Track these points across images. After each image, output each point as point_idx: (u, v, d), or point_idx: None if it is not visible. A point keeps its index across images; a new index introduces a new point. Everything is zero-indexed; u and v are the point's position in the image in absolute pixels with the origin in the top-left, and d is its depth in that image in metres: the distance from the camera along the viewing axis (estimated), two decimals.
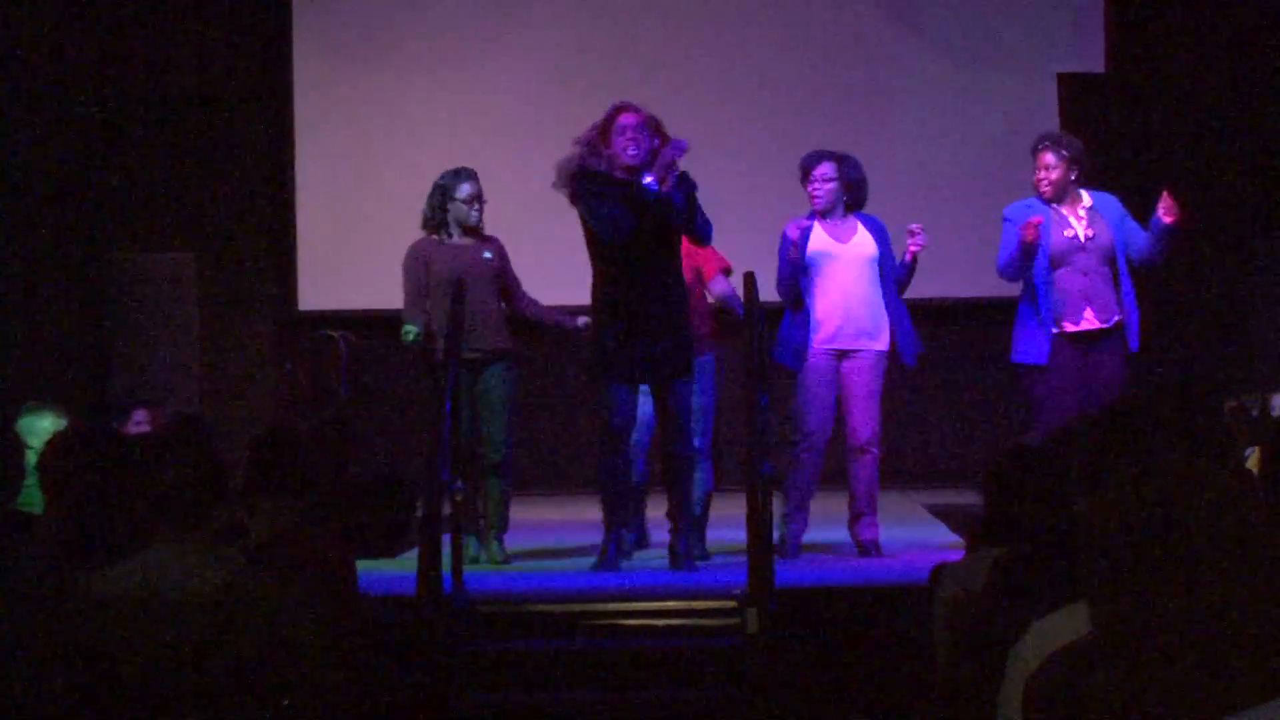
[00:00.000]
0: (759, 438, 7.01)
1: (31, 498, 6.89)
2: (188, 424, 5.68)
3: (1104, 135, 11.45)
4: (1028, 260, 7.91)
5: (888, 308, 8.23)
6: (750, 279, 7.70)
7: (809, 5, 11.63)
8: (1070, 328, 7.93)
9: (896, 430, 11.66)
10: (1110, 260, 7.99)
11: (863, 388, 8.21)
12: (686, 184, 7.68)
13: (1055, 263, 7.95)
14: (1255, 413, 8.31)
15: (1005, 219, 8.12)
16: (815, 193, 8.26)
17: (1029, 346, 8.00)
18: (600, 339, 7.77)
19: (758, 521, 6.74)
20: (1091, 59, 11.44)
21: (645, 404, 8.03)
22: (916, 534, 8.88)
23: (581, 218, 7.74)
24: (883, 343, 8.23)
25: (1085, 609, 2.27)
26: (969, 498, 8.77)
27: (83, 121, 11.40)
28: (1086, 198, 8.07)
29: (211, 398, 11.12)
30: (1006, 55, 11.50)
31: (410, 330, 8.20)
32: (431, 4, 11.72)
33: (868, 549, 8.19)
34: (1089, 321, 7.95)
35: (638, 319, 7.63)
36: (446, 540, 6.96)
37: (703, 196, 7.80)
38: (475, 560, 8.02)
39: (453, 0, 11.74)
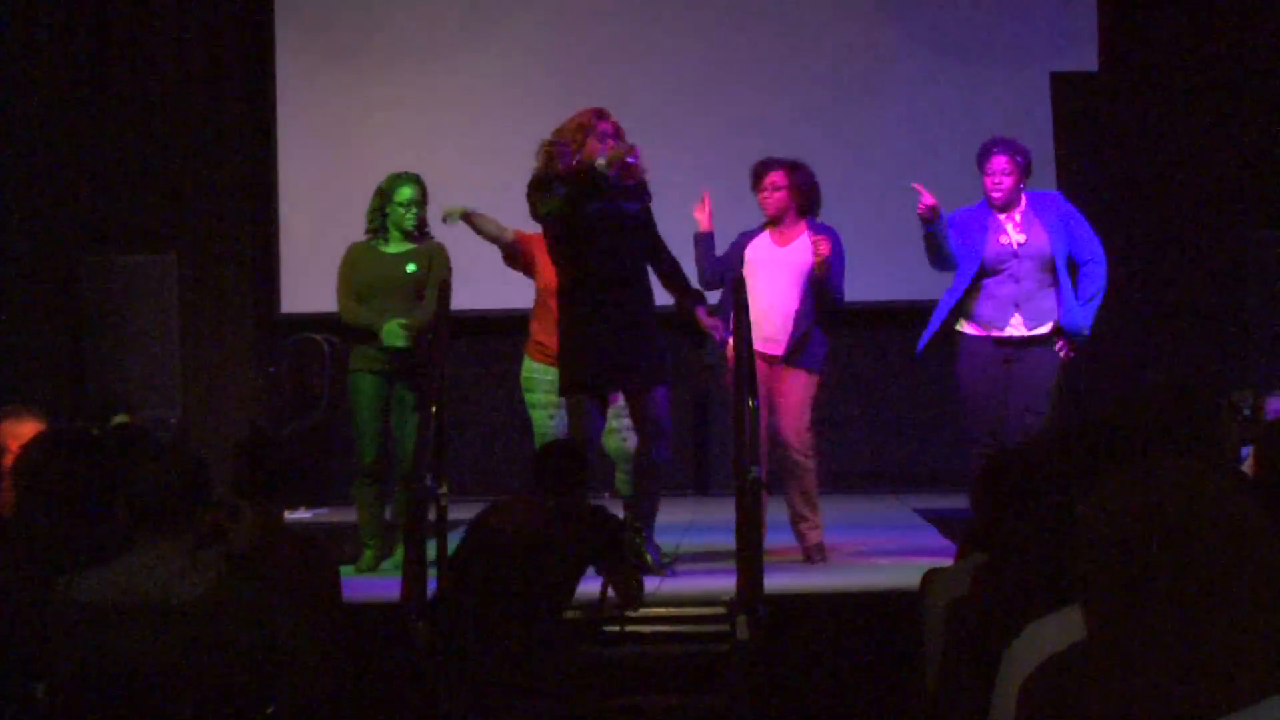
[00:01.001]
0: (748, 441, 6.96)
1: None
2: (167, 430, 5.66)
3: (1098, 134, 11.46)
4: (935, 240, 7.82)
5: (801, 316, 8.15)
6: (739, 283, 7.66)
7: (798, 3, 11.60)
8: (996, 334, 7.86)
9: (888, 435, 11.66)
10: (1047, 266, 7.87)
11: (788, 396, 8.16)
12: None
13: (989, 270, 7.88)
14: (1247, 410, 8.30)
15: (950, 224, 8.01)
16: (764, 201, 8.21)
17: (932, 328, 7.95)
18: (569, 352, 7.66)
19: (747, 526, 6.70)
20: (1085, 57, 11.43)
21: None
22: (907, 539, 8.84)
23: (550, 236, 7.71)
24: (812, 362, 8.21)
25: (1079, 613, 2.25)
26: (960, 502, 8.75)
27: (62, 121, 11.34)
28: (1023, 200, 7.94)
29: (192, 401, 11.06)
30: (1000, 54, 11.48)
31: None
32: (414, 6, 11.69)
33: (810, 554, 8.13)
34: (1015, 328, 7.87)
35: (606, 329, 7.56)
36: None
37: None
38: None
39: (435, 2, 11.70)
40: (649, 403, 7.65)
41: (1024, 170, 7.92)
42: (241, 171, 11.72)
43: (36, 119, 11.29)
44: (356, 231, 8.53)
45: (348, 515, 10.22)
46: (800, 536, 8.17)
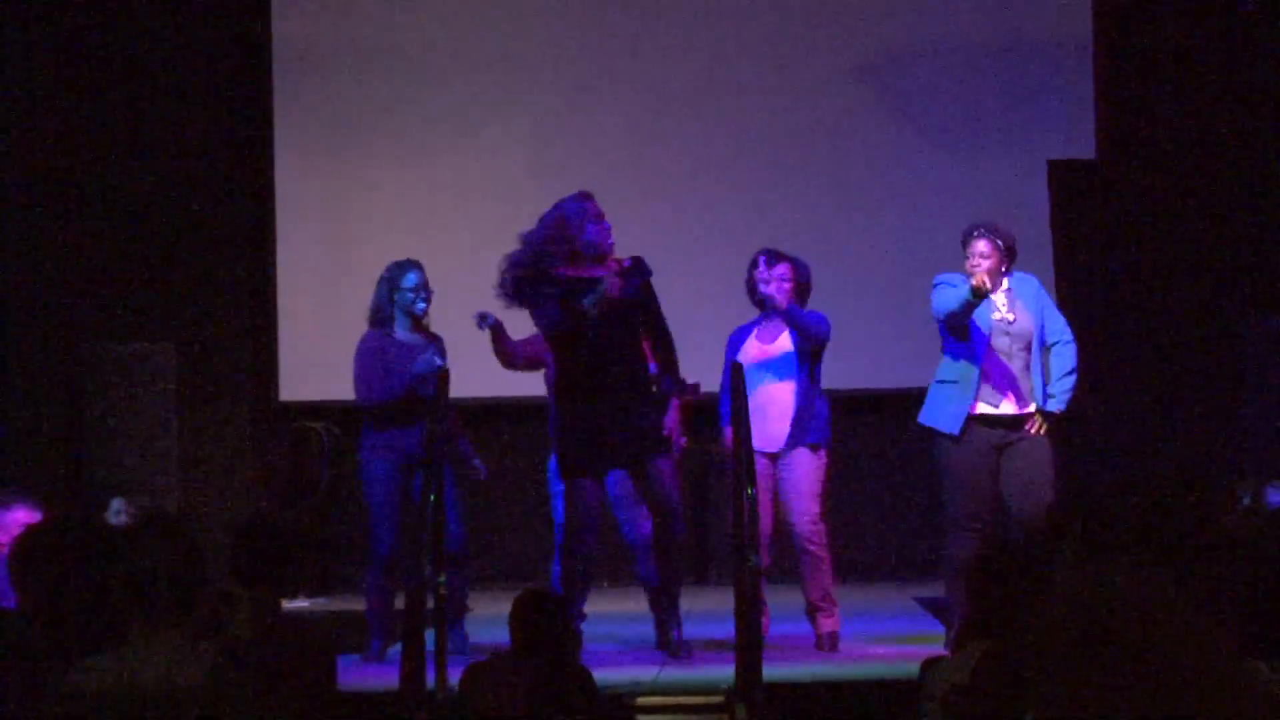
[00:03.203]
0: (746, 530, 6.95)
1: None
2: (164, 517, 5.64)
3: (1095, 221, 11.47)
4: (969, 311, 7.81)
5: (799, 403, 8.19)
6: (737, 369, 7.67)
7: (793, 91, 11.63)
8: (989, 410, 7.87)
9: (887, 522, 11.62)
10: (1029, 346, 7.93)
11: (795, 485, 8.17)
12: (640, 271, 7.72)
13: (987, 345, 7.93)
14: (1246, 500, 8.29)
15: (938, 283, 8.02)
16: (776, 293, 8.21)
17: (942, 414, 7.93)
18: (564, 432, 7.73)
19: (746, 615, 6.68)
20: (1083, 145, 11.47)
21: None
22: (907, 627, 8.81)
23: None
24: (813, 436, 8.22)
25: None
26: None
27: (60, 209, 11.36)
28: (1005, 281, 7.98)
29: (190, 489, 11.04)
30: (997, 141, 11.51)
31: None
32: (412, 96, 11.73)
33: (823, 643, 8.11)
34: (1008, 406, 7.88)
35: (602, 408, 7.60)
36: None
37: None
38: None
39: (433, 92, 11.75)
40: (653, 479, 7.66)
41: (1005, 254, 7.93)
42: (240, 260, 11.73)
43: (36, 207, 11.32)
44: (355, 320, 8.54)
45: (347, 604, 10.19)
46: (817, 624, 8.16)
